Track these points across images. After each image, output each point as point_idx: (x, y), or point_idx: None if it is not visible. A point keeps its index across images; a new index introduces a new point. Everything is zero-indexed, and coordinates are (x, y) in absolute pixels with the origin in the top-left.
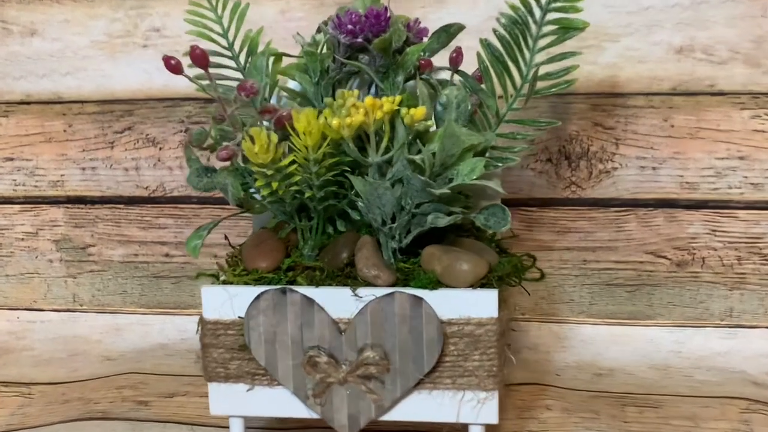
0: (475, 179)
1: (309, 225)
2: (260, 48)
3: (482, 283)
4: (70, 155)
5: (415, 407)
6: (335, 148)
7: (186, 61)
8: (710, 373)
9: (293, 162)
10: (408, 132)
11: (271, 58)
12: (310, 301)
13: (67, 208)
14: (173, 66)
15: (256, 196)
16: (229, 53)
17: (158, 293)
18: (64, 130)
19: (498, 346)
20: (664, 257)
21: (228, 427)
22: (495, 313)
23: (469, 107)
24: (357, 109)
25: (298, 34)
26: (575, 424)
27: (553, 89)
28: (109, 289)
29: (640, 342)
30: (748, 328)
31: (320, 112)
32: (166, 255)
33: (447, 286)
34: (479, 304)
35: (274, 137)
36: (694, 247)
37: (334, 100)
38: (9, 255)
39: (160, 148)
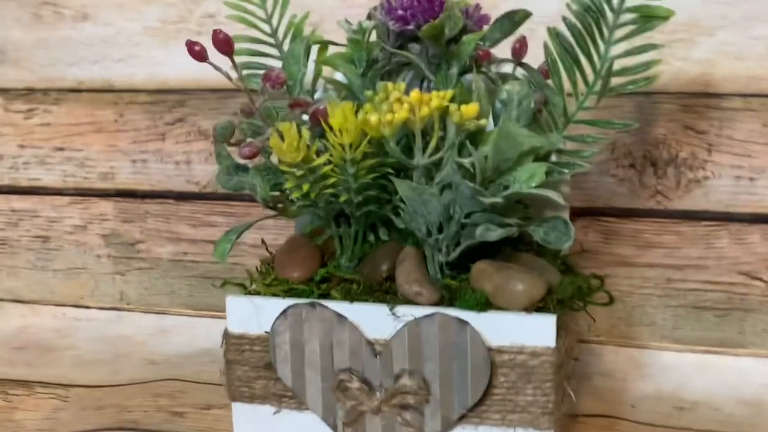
0: (534, 187)
1: (348, 232)
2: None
3: (539, 307)
4: (120, 146)
5: None
6: (377, 147)
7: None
8: None
9: (328, 162)
10: (459, 132)
11: (313, 47)
12: (342, 318)
13: (117, 201)
14: (197, 52)
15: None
16: (272, 40)
17: (207, 295)
18: (115, 120)
19: (555, 379)
20: (760, 279)
21: None
22: (552, 343)
23: (533, 105)
24: (401, 104)
25: (345, 20)
26: None
27: (631, 86)
28: (156, 289)
29: (730, 373)
30: None
31: (360, 107)
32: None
33: (498, 308)
34: (534, 331)
35: (306, 133)
36: None
37: (376, 93)
38: (57, 248)
39: (212, 142)
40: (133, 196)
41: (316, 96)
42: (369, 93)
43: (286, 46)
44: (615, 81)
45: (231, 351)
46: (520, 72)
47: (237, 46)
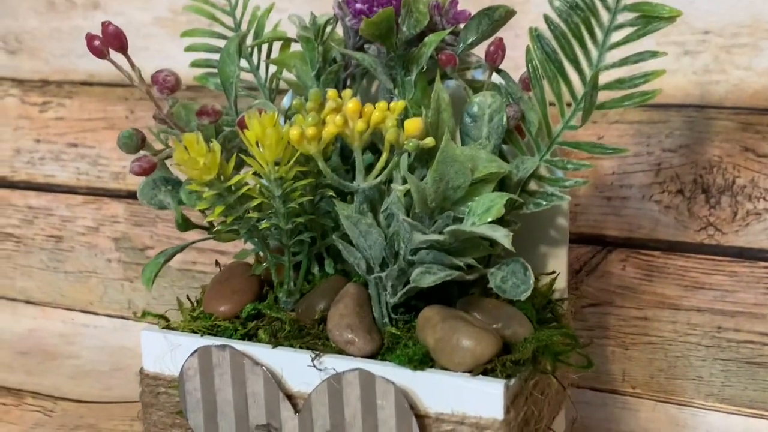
0: (490, 222)
1: (287, 263)
2: (266, 30)
3: (488, 369)
4: None
5: None
6: (317, 165)
7: None
8: None
9: (245, 184)
10: (401, 153)
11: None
12: (257, 365)
13: (128, 203)
14: (96, 48)
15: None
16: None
17: None
18: (126, 117)
19: None
20: None
21: None
22: (500, 414)
23: (504, 121)
24: (333, 116)
25: (312, 15)
26: None
27: (626, 103)
28: (164, 299)
29: None
30: None
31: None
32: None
33: (440, 367)
34: (479, 399)
35: (216, 147)
36: None
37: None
38: (69, 249)
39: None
40: None
41: (284, 101)
42: (296, 101)
43: (250, 40)
44: (606, 95)
45: (146, 393)
46: (499, 81)
47: (197, 40)
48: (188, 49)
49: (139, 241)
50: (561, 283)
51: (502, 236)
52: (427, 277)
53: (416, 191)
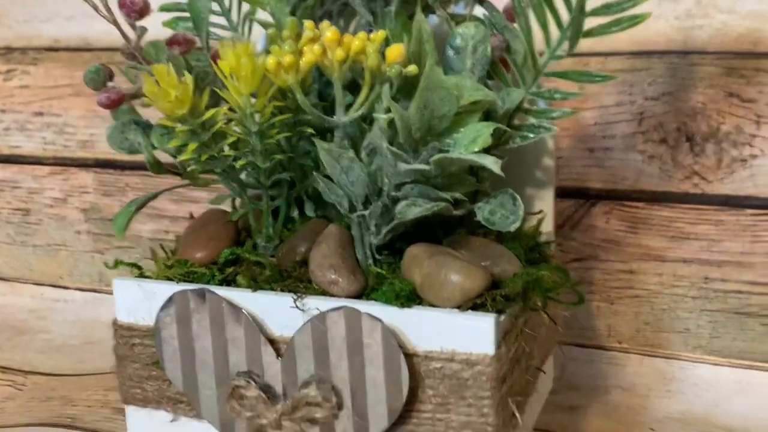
0: (476, 151)
1: (266, 206)
2: None
3: (477, 304)
4: (99, 111)
5: None
6: (296, 100)
7: None
8: None
9: (226, 118)
10: (382, 81)
11: None
12: (236, 309)
13: (97, 173)
14: None
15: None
16: None
17: None
18: None
19: (495, 396)
20: None
21: None
22: (491, 349)
23: (489, 52)
24: (311, 44)
25: None
26: None
27: (614, 28)
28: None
29: None
30: None
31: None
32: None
33: (427, 304)
34: (469, 334)
35: (189, 78)
36: None
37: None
38: (37, 222)
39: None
40: (113, 167)
41: (258, 45)
42: (271, 31)
43: None
44: (594, 22)
45: (120, 345)
46: (482, 13)
47: None
48: None
49: (110, 212)
50: (548, 226)
51: (491, 162)
52: (412, 209)
53: (400, 120)
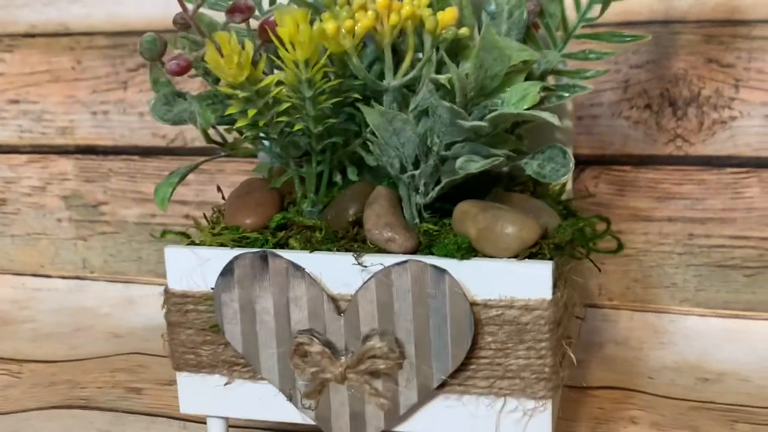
0: (526, 110)
1: (311, 172)
2: None
3: (532, 253)
4: (79, 97)
5: (439, 417)
6: (341, 67)
7: None
8: None
9: (280, 83)
10: (436, 44)
11: None
12: (299, 269)
13: (78, 159)
14: None
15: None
16: None
17: None
18: (73, 68)
19: (552, 339)
20: None
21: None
22: (548, 294)
23: (525, 16)
24: (366, 11)
25: None
26: None
27: None
28: (122, 255)
29: (760, 340)
30: None
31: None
32: (187, 216)
33: (484, 255)
34: (527, 281)
35: (250, 45)
36: None
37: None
38: (15, 212)
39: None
40: (95, 152)
41: None
42: None
43: None
44: None
45: (173, 312)
46: None
47: None
48: None
49: (92, 197)
50: (568, 185)
51: (549, 116)
52: (472, 164)
53: (458, 79)
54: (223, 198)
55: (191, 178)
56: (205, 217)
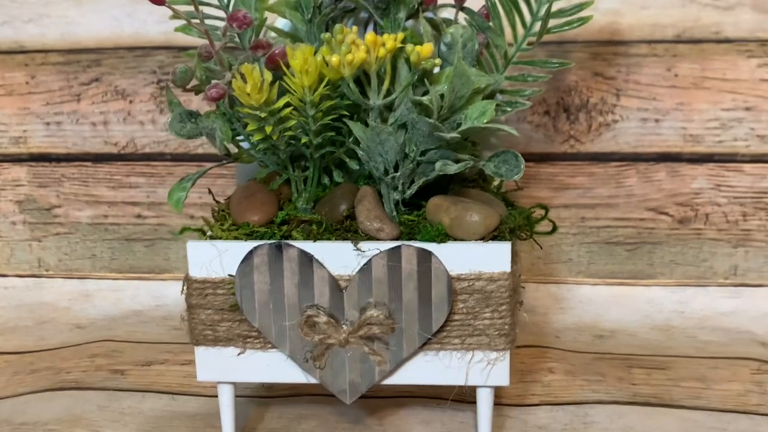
0: (486, 123)
1: (303, 175)
2: None
3: (493, 236)
4: (33, 109)
5: (420, 370)
6: (332, 90)
7: None
8: (715, 334)
9: (288, 104)
10: (413, 72)
11: None
12: (307, 256)
13: (31, 166)
14: None
15: (243, 144)
16: None
17: (130, 257)
18: (27, 82)
19: (510, 303)
20: (666, 214)
21: (212, 396)
22: (508, 268)
23: (476, 47)
24: (357, 46)
25: None
26: (581, 387)
27: (566, 27)
28: (77, 253)
29: (641, 302)
30: (754, 287)
31: (316, 51)
32: (138, 216)
33: (455, 239)
34: (491, 258)
35: (268, 75)
36: (697, 202)
37: (332, 36)
38: None
39: (131, 101)
40: (48, 160)
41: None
42: (326, 35)
43: None
44: (551, 23)
45: (194, 295)
46: (462, 17)
47: None
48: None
49: (45, 201)
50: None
51: (509, 128)
52: (449, 167)
53: (435, 100)
54: (215, 200)
55: (141, 181)
56: (213, 216)
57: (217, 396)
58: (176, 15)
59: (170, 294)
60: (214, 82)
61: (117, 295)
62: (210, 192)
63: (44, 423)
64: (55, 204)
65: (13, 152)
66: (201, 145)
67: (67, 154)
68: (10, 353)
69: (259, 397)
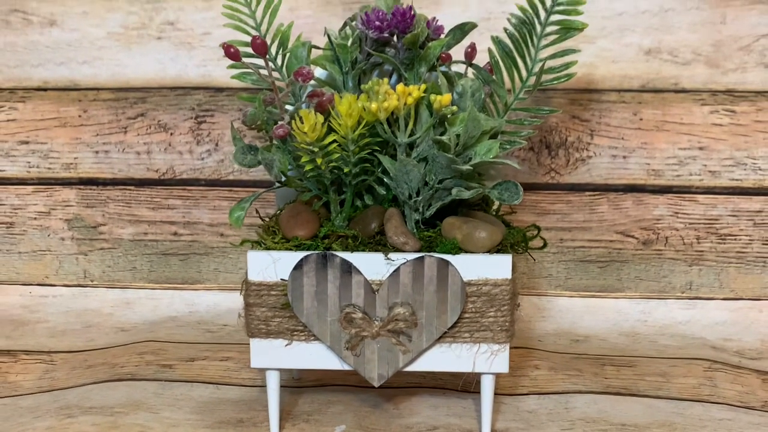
0: (493, 158)
1: (340, 198)
2: (291, 41)
3: (497, 249)
4: (83, 139)
5: (436, 358)
6: (367, 130)
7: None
8: (673, 339)
9: (334, 141)
10: (435, 116)
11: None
12: (347, 264)
13: (80, 189)
14: (233, 53)
15: (290, 173)
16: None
17: (167, 269)
18: (79, 116)
19: (510, 304)
20: (632, 236)
21: (251, 386)
22: (509, 275)
23: (482, 96)
24: (389, 95)
25: (325, 29)
26: (562, 380)
27: (555, 81)
28: (119, 266)
29: (611, 312)
30: (706, 299)
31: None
32: (175, 234)
33: (467, 252)
34: (495, 267)
35: (320, 118)
36: (658, 227)
37: (360, 89)
38: (22, 233)
39: (171, 134)
40: (95, 183)
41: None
42: (366, 86)
43: (273, 49)
44: (544, 77)
45: (251, 296)
46: (470, 71)
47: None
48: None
49: (92, 220)
50: (495, 204)
51: (514, 162)
52: (464, 193)
53: (452, 139)
54: (261, 219)
55: (177, 203)
56: (265, 229)
57: (255, 386)
58: (245, 67)
59: (202, 302)
60: (280, 122)
61: (155, 303)
62: (257, 212)
63: (110, 407)
64: (100, 222)
65: (64, 176)
66: (231, 173)
67: (113, 179)
68: (64, 352)
69: (292, 387)
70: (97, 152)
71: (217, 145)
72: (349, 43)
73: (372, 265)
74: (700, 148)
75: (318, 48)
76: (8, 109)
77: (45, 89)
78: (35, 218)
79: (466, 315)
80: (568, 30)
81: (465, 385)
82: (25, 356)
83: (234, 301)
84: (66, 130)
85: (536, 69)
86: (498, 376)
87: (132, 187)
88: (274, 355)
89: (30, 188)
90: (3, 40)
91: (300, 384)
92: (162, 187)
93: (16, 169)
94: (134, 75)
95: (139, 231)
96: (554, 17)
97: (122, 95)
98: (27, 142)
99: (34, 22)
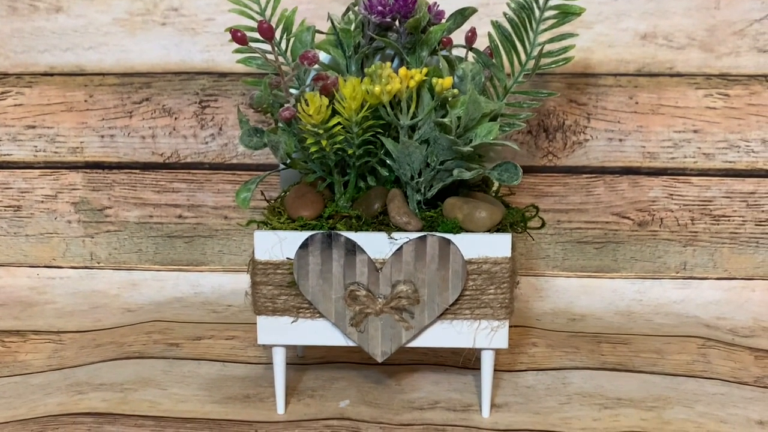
0: (493, 140)
1: (344, 180)
2: (295, 26)
3: (497, 228)
4: (89, 123)
5: (437, 335)
6: (370, 112)
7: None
8: (668, 318)
9: (338, 123)
10: (436, 99)
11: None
12: (352, 243)
13: (86, 172)
14: (240, 38)
15: (294, 155)
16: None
17: (171, 252)
18: (85, 100)
19: (510, 281)
20: (628, 218)
21: (256, 364)
22: (509, 254)
23: (482, 80)
24: (393, 78)
25: (329, 14)
26: (560, 357)
27: (553, 65)
28: (125, 248)
29: (607, 292)
30: (700, 279)
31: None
32: (179, 216)
33: (468, 231)
34: (495, 246)
35: (325, 101)
36: (653, 209)
37: (363, 72)
38: (29, 216)
39: (176, 118)
40: (101, 167)
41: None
42: (369, 70)
43: (277, 34)
44: (542, 61)
45: (258, 274)
46: (470, 55)
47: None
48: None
49: (98, 203)
50: (495, 185)
51: (514, 143)
52: (465, 173)
53: (454, 121)
54: (267, 200)
55: (182, 186)
56: (270, 210)
57: (261, 363)
58: (251, 51)
59: (206, 283)
60: (286, 105)
61: (160, 284)
62: (263, 194)
63: (120, 383)
64: (106, 205)
65: (71, 160)
66: (235, 156)
67: (119, 163)
68: (72, 332)
69: (296, 364)
70: (102, 136)
71: (220, 129)
72: (352, 27)
73: (375, 244)
74: (695, 131)
75: (321, 33)
76: (15, 94)
77: (51, 74)
78: (42, 201)
79: (467, 292)
80: (565, 15)
81: (465, 361)
82: (35, 336)
83: (238, 282)
84: (72, 114)
85: (535, 53)
86: (497, 352)
87: (137, 171)
88: (281, 332)
89: (37, 172)
90: (10, 26)
91: (304, 361)
92: (167, 170)
93: (24, 153)
94: (139, 60)
95: (144, 214)
96: (552, 2)
97: (127, 80)
98: (34, 127)
99: (41, 9)
